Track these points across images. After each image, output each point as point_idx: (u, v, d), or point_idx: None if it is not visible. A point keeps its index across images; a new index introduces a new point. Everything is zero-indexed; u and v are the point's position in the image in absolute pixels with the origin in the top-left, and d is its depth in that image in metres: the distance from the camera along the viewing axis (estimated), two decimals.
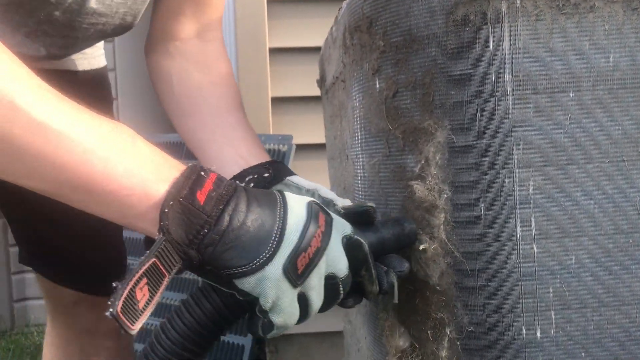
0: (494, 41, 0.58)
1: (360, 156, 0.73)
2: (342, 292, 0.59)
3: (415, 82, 0.62)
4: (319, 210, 0.58)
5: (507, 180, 0.59)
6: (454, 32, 0.60)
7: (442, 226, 0.61)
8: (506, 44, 0.58)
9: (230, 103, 0.90)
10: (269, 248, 0.54)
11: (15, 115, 0.50)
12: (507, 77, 0.58)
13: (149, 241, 0.55)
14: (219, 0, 0.94)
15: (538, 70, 0.58)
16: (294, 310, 0.57)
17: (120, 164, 0.53)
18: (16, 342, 2.46)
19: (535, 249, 0.59)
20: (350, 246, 0.59)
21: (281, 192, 0.59)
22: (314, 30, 1.84)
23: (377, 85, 0.67)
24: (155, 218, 0.53)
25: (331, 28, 0.90)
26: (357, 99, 0.72)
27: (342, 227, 0.60)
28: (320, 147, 1.79)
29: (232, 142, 0.84)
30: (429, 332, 0.63)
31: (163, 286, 0.53)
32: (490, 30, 0.58)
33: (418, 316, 0.64)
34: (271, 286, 0.54)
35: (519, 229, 0.59)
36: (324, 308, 0.60)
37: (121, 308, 0.49)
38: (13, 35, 0.58)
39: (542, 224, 0.59)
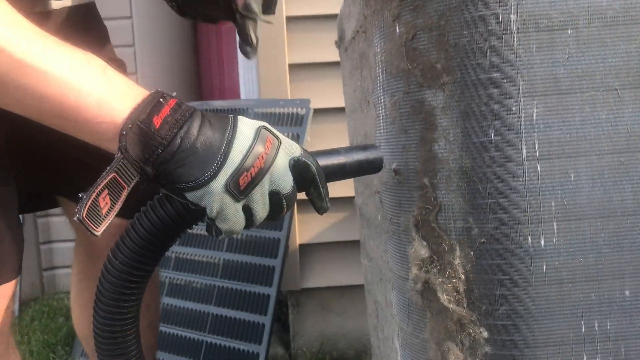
0: None
1: (381, 97, 0.81)
2: (285, 206, 0.68)
3: (431, 25, 0.70)
4: (268, 134, 0.66)
5: (513, 109, 0.67)
6: None
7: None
8: None
9: None
10: (213, 167, 0.62)
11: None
12: (512, 17, 0.66)
13: None
14: None
15: (540, 10, 0.66)
16: (239, 219, 0.66)
17: (90, 95, 0.61)
18: (49, 305, 2.59)
19: (539, 169, 0.68)
20: (297, 167, 0.68)
21: (235, 117, 0.67)
22: None
23: (397, 30, 0.75)
24: None
25: None
26: (379, 45, 0.80)
27: (290, 150, 0.68)
28: (336, 110, 1.88)
29: None
30: (446, 245, 0.72)
31: (123, 196, 0.63)
32: None
33: (436, 232, 0.73)
34: (215, 200, 0.63)
35: (524, 152, 0.67)
36: (270, 217, 0.68)
37: (86, 214, 0.59)
38: None
39: (545, 146, 0.67)
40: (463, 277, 0.71)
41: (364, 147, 0.71)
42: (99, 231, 0.60)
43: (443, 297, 0.71)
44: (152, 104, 0.62)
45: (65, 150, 0.67)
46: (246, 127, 0.66)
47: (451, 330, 0.72)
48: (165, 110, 0.62)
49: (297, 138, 1.78)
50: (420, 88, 0.73)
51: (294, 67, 1.93)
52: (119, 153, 0.61)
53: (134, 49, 2.44)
